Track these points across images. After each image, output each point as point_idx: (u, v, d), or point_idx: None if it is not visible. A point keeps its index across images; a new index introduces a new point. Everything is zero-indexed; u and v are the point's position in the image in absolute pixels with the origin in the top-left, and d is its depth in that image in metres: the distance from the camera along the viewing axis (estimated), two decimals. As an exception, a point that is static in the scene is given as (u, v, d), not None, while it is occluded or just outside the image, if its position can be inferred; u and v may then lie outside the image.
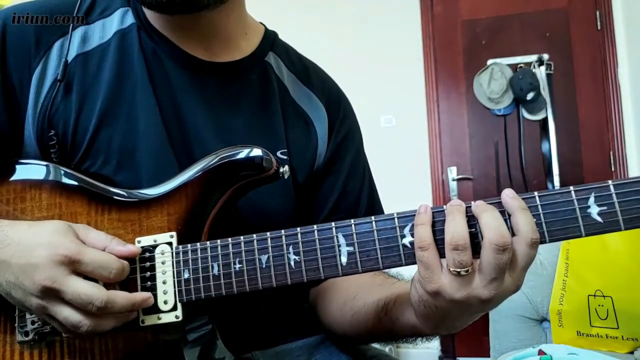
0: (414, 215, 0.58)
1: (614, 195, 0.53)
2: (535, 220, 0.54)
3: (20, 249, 0.59)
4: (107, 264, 0.60)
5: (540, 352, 1.01)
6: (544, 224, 0.55)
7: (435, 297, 0.56)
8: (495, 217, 0.54)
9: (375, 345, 0.87)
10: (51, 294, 0.58)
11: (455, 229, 0.54)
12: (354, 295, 0.74)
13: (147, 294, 0.62)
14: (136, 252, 0.63)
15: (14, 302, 0.62)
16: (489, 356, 1.64)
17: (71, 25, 0.74)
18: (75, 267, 0.58)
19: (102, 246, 0.62)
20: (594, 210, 0.54)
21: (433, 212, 0.57)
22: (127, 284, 0.63)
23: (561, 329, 1.50)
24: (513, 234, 0.54)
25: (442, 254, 0.56)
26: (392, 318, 0.66)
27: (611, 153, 2.99)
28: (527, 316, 1.59)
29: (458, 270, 0.54)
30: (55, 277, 0.57)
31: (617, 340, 1.44)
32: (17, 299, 0.61)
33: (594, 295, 1.46)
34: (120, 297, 0.60)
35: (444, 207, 0.57)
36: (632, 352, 1.42)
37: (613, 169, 2.97)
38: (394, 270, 0.71)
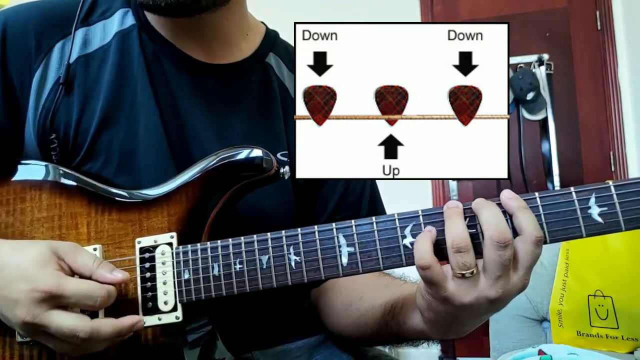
0: (415, 216, 0.58)
1: (614, 196, 0.54)
2: None
3: (2, 280, 0.58)
4: (91, 294, 0.58)
5: (540, 352, 1.01)
6: (544, 225, 0.55)
7: (444, 303, 0.56)
8: (494, 213, 0.54)
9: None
10: (35, 328, 0.57)
11: (456, 231, 0.54)
12: (359, 297, 0.74)
13: (135, 319, 0.60)
14: (123, 279, 0.61)
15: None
16: (489, 356, 1.64)
17: (74, 26, 0.74)
18: (57, 301, 0.57)
19: (89, 272, 0.60)
20: (595, 211, 0.54)
21: (430, 215, 0.57)
22: (126, 286, 0.63)
23: (561, 329, 1.50)
24: (516, 234, 0.54)
25: (444, 257, 0.55)
26: (399, 322, 0.66)
27: (611, 153, 2.98)
28: (527, 316, 1.59)
29: (463, 272, 0.54)
30: (36, 313, 0.56)
31: (617, 340, 1.43)
32: (9, 325, 0.61)
33: (594, 295, 1.46)
34: (106, 325, 0.58)
35: (443, 208, 0.57)
36: (632, 352, 1.42)
37: (613, 169, 2.97)
38: (399, 272, 0.71)
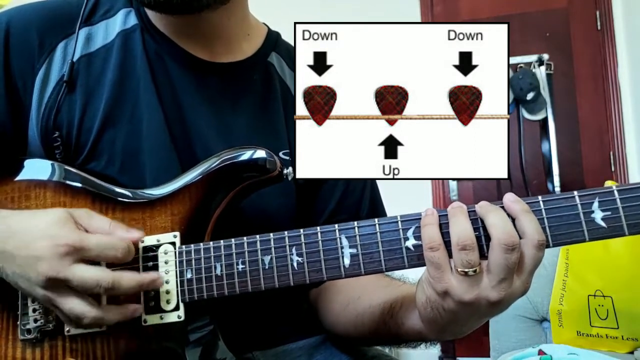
0: (418, 218, 0.58)
1: (618, 200, 0.54)
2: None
3: (23, 241, 0.59)
4: (113, 245, 0.60)
5: (540, 352, 1.01)
6: (548, 229, 0.55)
7: (444, 298, 0.56)
8: (501, 216, 0.54)
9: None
10: (57, 284, 0.58)
11: (461, 229, 0.54)
12: (358, 296, 0.74)
13: (156, 274, 0.63)
14: (140, 237, 0.63)
15: (21, 291, 0.62)
16: (489, 356, 1.64)
17: (78, 25, 0.74)
18: (80, 254, 0.59)
19: (105, 232, 0.62)
20: (598, 216, 0.54)
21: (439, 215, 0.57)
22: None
23: (561, 329, 1.50)
24: (519, 237, 0.54)
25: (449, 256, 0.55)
26: (398, 322, 0.66)
27: (611, 153, 2.99)
28: (527, 316, 1.59)
29: (466, 270, 0.54)
30: (60, 268, 0.58)
31: (617, 340, 1.44)
32: (23, 289, 0.61)
33: (594, 295, 1.46)
34: (127, 277, 0.60)
35: (447, 210, 0.57)
36: (632, 352, 1.42)
37: (613, 169, 2.97)
38: (398, 273, 0.71)
